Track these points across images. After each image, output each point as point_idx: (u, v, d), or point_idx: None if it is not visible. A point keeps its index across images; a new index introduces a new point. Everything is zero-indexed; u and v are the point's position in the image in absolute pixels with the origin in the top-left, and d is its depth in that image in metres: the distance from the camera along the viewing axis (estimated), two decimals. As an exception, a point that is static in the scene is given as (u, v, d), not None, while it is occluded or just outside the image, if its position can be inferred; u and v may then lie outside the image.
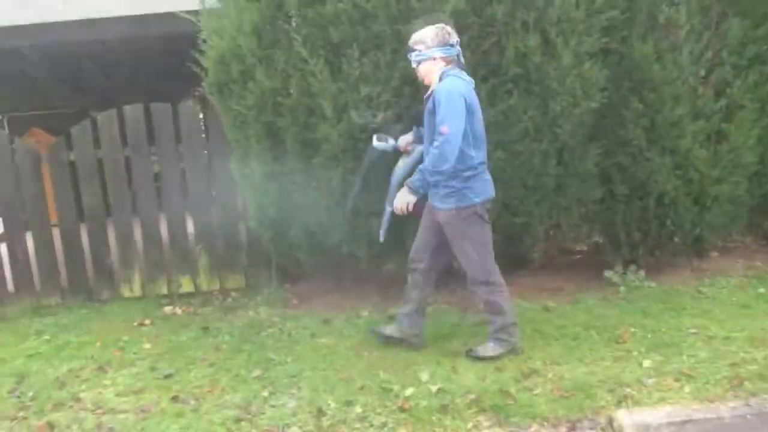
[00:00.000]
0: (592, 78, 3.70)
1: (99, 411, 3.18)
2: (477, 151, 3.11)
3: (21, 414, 3.22)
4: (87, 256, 4.92)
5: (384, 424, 2.78)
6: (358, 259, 4.11)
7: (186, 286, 5.01)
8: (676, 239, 4.11)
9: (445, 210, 3.17)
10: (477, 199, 3.13)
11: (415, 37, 3.17)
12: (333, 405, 2.97)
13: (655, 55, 3.85)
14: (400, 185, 3.29)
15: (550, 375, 3.09)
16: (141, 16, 5.19)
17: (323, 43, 3.64)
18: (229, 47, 3.87)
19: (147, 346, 4.04)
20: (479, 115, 3.13)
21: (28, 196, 4.76)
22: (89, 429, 2.99)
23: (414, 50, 3.16)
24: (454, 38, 3.13)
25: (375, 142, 3.53)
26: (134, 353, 3.94)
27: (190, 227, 4.99)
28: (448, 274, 4.41)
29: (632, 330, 3.54)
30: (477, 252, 3.21)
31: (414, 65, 3.20)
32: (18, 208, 4.78)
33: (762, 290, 4.04)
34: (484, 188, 3.19)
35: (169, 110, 4.79)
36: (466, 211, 3.13)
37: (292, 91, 3.75)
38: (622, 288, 4.23)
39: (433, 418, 2.78)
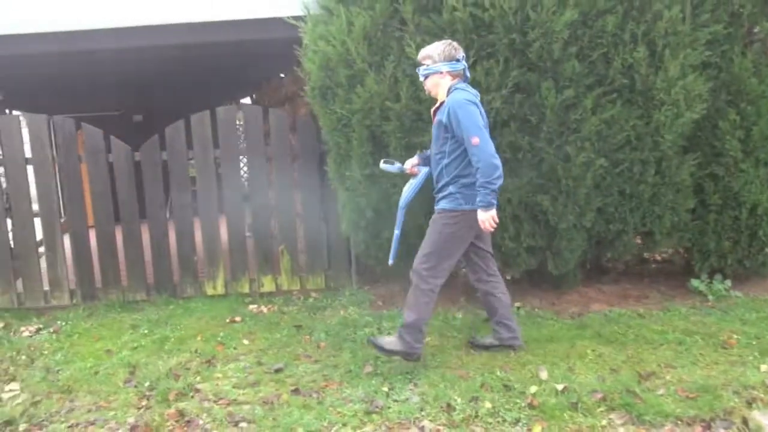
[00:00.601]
0: (696, 90, 3.79)
1: (222, 402, 3.26)
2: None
3: (144, 403, 3.31)
4: (173, 254, 5.03)
5: (517, 420, 2.86)
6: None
7: (267, 285, 5.11)
8: (767, 250, 4.18)
9: (438, 209, 3.36)
10: (467, 207, 3.23)
11: (423, 52, 3.30)
12: (459, 401, 3.05)
13: (753, 68, 3.94)
14: (407, 207, 3.55)
15: (668, 377, 3.16)
16: (194, 24, 4.99)
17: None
18: (337, 52, 3.98)
19: (245, 342, 4.13)
20: (485, 126, 3.21)
21: (121, 191, 4.87)
22: (220, 418, 3.07)
23: (422, 65, 3.29)
24: (461, 54, 3.24)
25: (382, 165, 3.67)
26: (235, 348, 4.03)
27: (274, 228, 5.10)
28: (539, 276, 4.51)
29: (735, 337, 3.61)
30: (438, 250, 3.31)
31: (421, 79, 3.33)
32: (109, 203, 4.88)
33: None
34: (473, 199, 3.21)
35: (260, 112, 4.91)
36: (452, 214, 3.27)
37: (401, 96, 3.84)
38: (710, 297, 4.30)
39: (565, 415, 2.85)
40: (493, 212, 3.18)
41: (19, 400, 3.38)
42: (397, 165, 3.66)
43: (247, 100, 10.84)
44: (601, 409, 2.89)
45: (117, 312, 4.85)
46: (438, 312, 4.34)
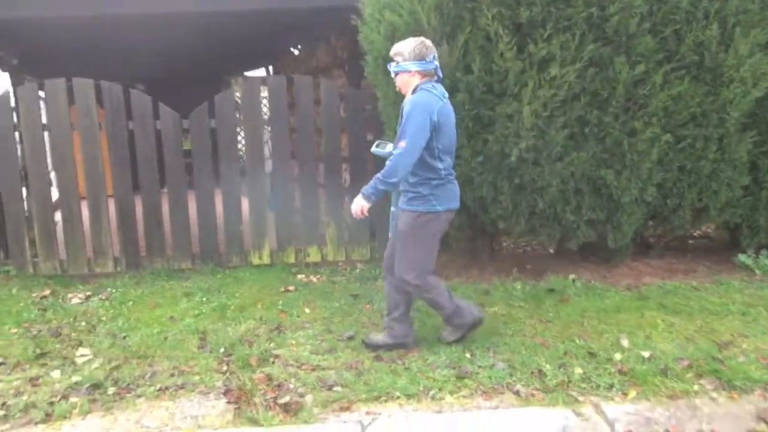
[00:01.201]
0: (762, 68, 3.86)
1: (305, 367, 3.28)
2: (443, 162, 3.17)
3: (225, 368, 3.31)
4: (219, 223, 5.00)
5: (610, 385, 2.93)
6: (511, 234, 4.25)
7: (313, 256, 5.12)
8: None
9: (408, 210, 3.21)
10: (440, 207, 3.19)
11: (395, 48, 3.24)
12: (548, 367, 3.12)
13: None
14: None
15: (744, 345, 3.26)
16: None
17: (510, 23, 3.75)
18: (405, 22, 3.95)
19: (306, 310, 4.15)
20: (448, 128, 3.16)
21: (168, 158, 4.80)
22: (310, 382, 3.09)
23: (393, 60, 3.24)
24: (432, 53, 3.16)
25: (373, 149, 3.56)
26: (298, 316, 4.05)
27: (321, 199, 5.10)
28: (590, 249, 4.58)
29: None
30: (419, 255, 3.25)
31: (392, 75, 3.28)
32: (155, 170, 4.82)
33: None
34: (449, 198, 3.23)
35: (311, 82, 4.87)
36: (426, 217, 3.19)
37: (473, 68, 3.84)
38: (757, 271, 4.43)
39: (656, 381, 2.94)
40: (368, 205, 3.19)
41: (96, 365, 3.36)
42: (389, 148, 3.42)
43: (256, 72, 10.70)
44: (690, 375, 2.98)
45: (164, 280, 4.82)
46: (495, 284, 4.40)
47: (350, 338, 3.64)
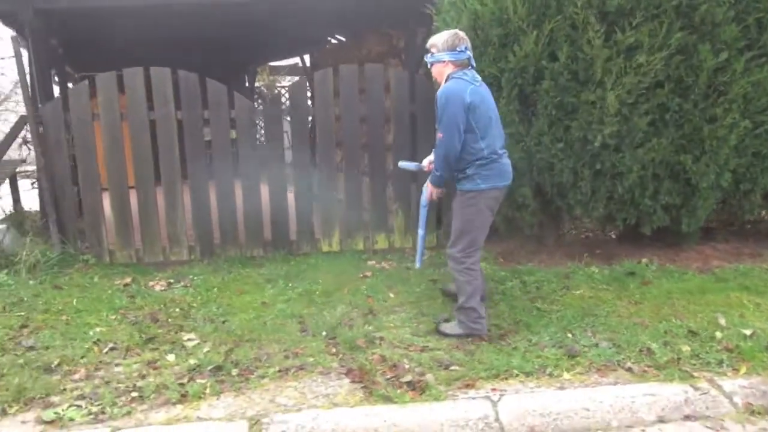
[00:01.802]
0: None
1: (413, 348, 3.39)
2: (484, 141, 3.31)
3: (334, 350, 3.42)
4: (291, 212, 5.08)
5: (720, 361, 3.06)
6: (589, 219, 4.36)
7: (381, 243, 5.22)
8: None
9: (458, 190, 3.44)
10: (483, 186, 3.34)
11: (430, 41, 3.46)
12: (654, 345, 3.24)
13: None
14: (429, 206, 3.70)
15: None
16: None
17: (597, 11, 3.83)
18: (490, 11, 4.03)
19: (391, 295, 4.25)
20: (484, 108, 3.31)
21: (242, 146, 4.87)
22: (425, 362, 3.20)
23: (429, 51, 3.45)
24: (464, 44, 3.35)
25: (400, 164, 3.90)
26: (384, 301, 4.15)
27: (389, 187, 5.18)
28: (655, 236, 4.68)
29: None
30: (464, 233, 3.42)
31: (429, 66, 3.49)
32: (229, 158, 4.89)
33: None
34: (495, 176, 3.37)
35: (382, 70, 4.94)
36: (470, 194, 3.37)
37: (559, 56, 3.93)
38: (822, 254, 4.57)
39: (764, 357, 3.07)
40: (439, 190, 3.55)
41: (207, 348, 3.46)
42: (415, 163, 3.86)
43: (284, 62, 10.72)
44: (795, 351, 3.11)
45: (239, 267, 4.90)
46: (571, 268, 4.50)
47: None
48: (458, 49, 3.34)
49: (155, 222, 4.91)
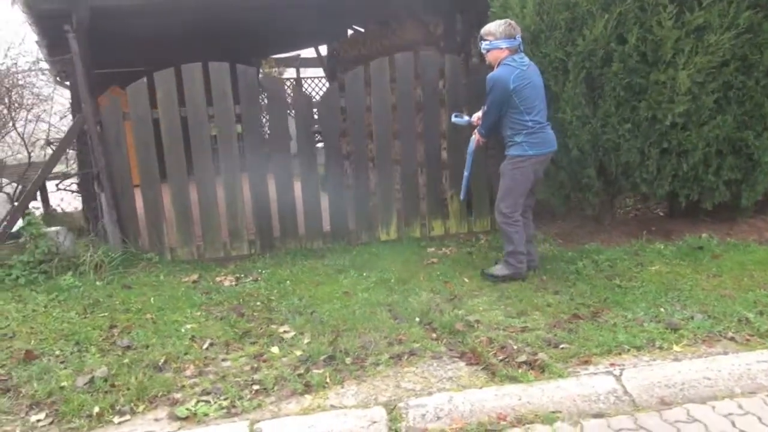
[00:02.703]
0: None
1: (512, 329, 3.46)
2: (530, 115, 3.87)
3: (434, 335, 3.48)
4: (349, 203, 5.11)
5: (818, 327, 3.20)
6: (656, 197, 4.47)
7: (437, 229, 5.28)
8: None
9: (508, 155, 4.02)
10: (531, 152, 3.92)
11: (485, 29, 3.93)
12: (750, 315, 3.36)
13: None
14: (473, 153, 4.36)
15: None
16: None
17: (667, -7, 3.92)
18: (557, -4, 4.09)
19: (465, 279, 4.32)
20: (530, 89, 3.85)
21: (300, 140, 4.88)
22: (532, 341, 3.26)
23: (485, 40, 3.91)
24: (518, 32, 3.86)
25: (453, 118, 4.50)
26: (462, 286, 4.21)
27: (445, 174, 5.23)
28: (707, 211, 4.80)
29: None
30: (512, 191, 4.01)
31: (483, 52, 3.97)
32: (288, 152, 4.90)
33: None
34: (541, 143, 3.95)
35: (436, 58, 4.97)
36: (518, 159, 3.95)
37: (628, 38, 4.01)
38: None
39: None
40: (483, 140, 4.24)
41: (308, 339, 3.48)
42: (466, 118, 4.44)
43: (297, 54, 10.64)
44: None
45: (302, 259, 4.91)
46: (637, 246, 4.61)
47: (521, 300, 3.82)
48: (515, 37, 3.85)
49: (216, 217, 4.90)
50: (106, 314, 3.96)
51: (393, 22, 6.80)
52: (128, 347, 3.50)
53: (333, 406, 2.82)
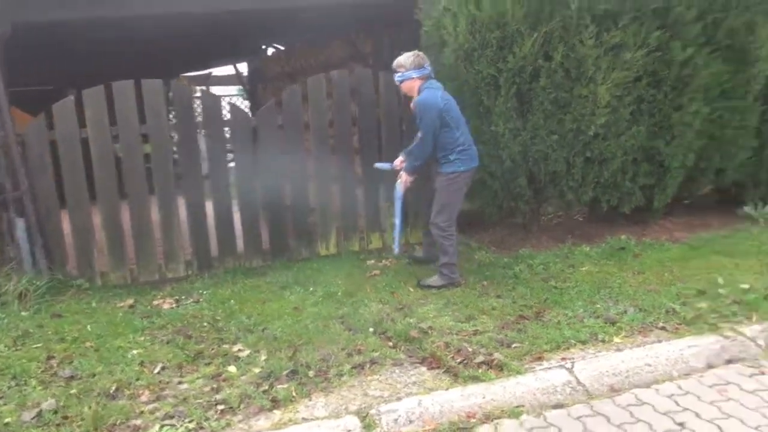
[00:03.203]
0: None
1: (464, 333, 3.59)
2: (459, 131, 4.15)
3: (391, 343, 3.55)
4: (289, 219, 5.10)
5: (734, 313, 3.56)
6: (580, 203, 4.81)
7: (375, 242, 5.37)
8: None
9: (443, 173, 4.22)
10: (462, 168, 4.18)
11: (397, 62, 4.19)
12: (675, 306, 3.68)
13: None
14: (403, 197, 4.49)
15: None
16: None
17: (589, 14, 4.26)
18: (488, 15, 4.33)
19: (410, 289, 4.43)
20: (454, 108, 4.14)
21: (237, 159, 4.83)
22: (485, 343, 3.41)
23: (397, 72, 4.19)
24: (427, 62, 4.16)
25: (376, 165, 4.71)
26: (408, 295, 4.32)
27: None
28: (621, 214, 5.21)
29: (814, 244, 4.62)
30: (448, 206, 4.23)
31: (397, 83, 4.25)
32: (226, 171, 4.84)
33: None
34: (469, 160, 4.22)
35: (370, 75, 5.09)
36: (453, 175, 4.19)
37: (554, 56, 4.32)
38: (760, 219, 5.31)
39: (766, 305, 3.61)
40: (412, 178, 4.36)
41: (265, 356, 3.45)
42: (389, 164, 4.61)
43: (215, 72, 10.47)
44: (785, 300, 3.68)
45: (242, 278, 4.83)
46: (565, 250, 4.91)
47: (472, 306, 3.99)
48: (424, 66, 4.14)
49: (151, 238, 4.74)
50: (39, 345, 3.72)
51: (319, 40, 6.90)
52: (72, 377, 3.31)
53: (305, 419, 2.82)
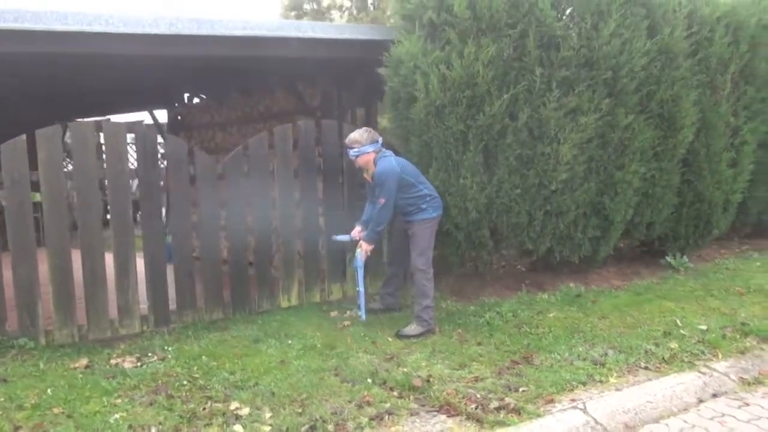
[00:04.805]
0: (692, 117, 5.37)
1: (465, 380, 3.63)
2: (423, 185, 4.51)
3: (395, 393, 3.50)
4: (252, 269, 4.90)
5: (702, 351, 3.92)
6: (538, 253, 5.10)
7: (336, 293, 5.30)
8: (714, 232, 5.99)
9: (417, 221, 4.51)
10: (434, 213, 4.53)
11: (351, 138, 4.51)
12: (650, 347, 3.98)
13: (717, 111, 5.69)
14: (363, 266, 4.74)
15: (742, 314, 4.54)
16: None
17: (551, 80, 4.65)
18: (459, 75, 4.58)
19: (389, 339, 4.41)
20: (410, 168, 4.53)
21: (204, 206, 4.62)
22: (492, 388, 3.48)
23: (352, 148, 4.50)
24: (378, 137, 4.54)
25: (335, 238, 4.96)
26: (390, 345, 4.29)
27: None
28: (564, 264, 5.59)
29: (736, 288, 5.22)
30: (426, 249, 4.51)
31: (352, 158, 4.55)
32: (189, 218, 4.59)
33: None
34: (438, 207, 4.57)
35: (336, 126, 5.14)
36: (427, 220, 4.51)
37: (520, 116, 4.64)
38: (680, 268, 5.93)
39: (724, 343, 4.02)
40: (372, 246, 4.65)
41: (269, 414, 3.26)
42: (348, 236, 4.83)
43: (132, 117, 9.92)
44: (739, 335, 4.12)
45: (204, 333, 4.52)
46: (525, 298, 5.13)
47: (456, 352, 4.05)
48: (377, 141, 4.48)
49: (103, 292, 4.33)
50: (-3, 415, 3.23)
51: (258, 90, 6.82)
52: (52, 449, 2.91)
53: (345, 476, 2.69)
